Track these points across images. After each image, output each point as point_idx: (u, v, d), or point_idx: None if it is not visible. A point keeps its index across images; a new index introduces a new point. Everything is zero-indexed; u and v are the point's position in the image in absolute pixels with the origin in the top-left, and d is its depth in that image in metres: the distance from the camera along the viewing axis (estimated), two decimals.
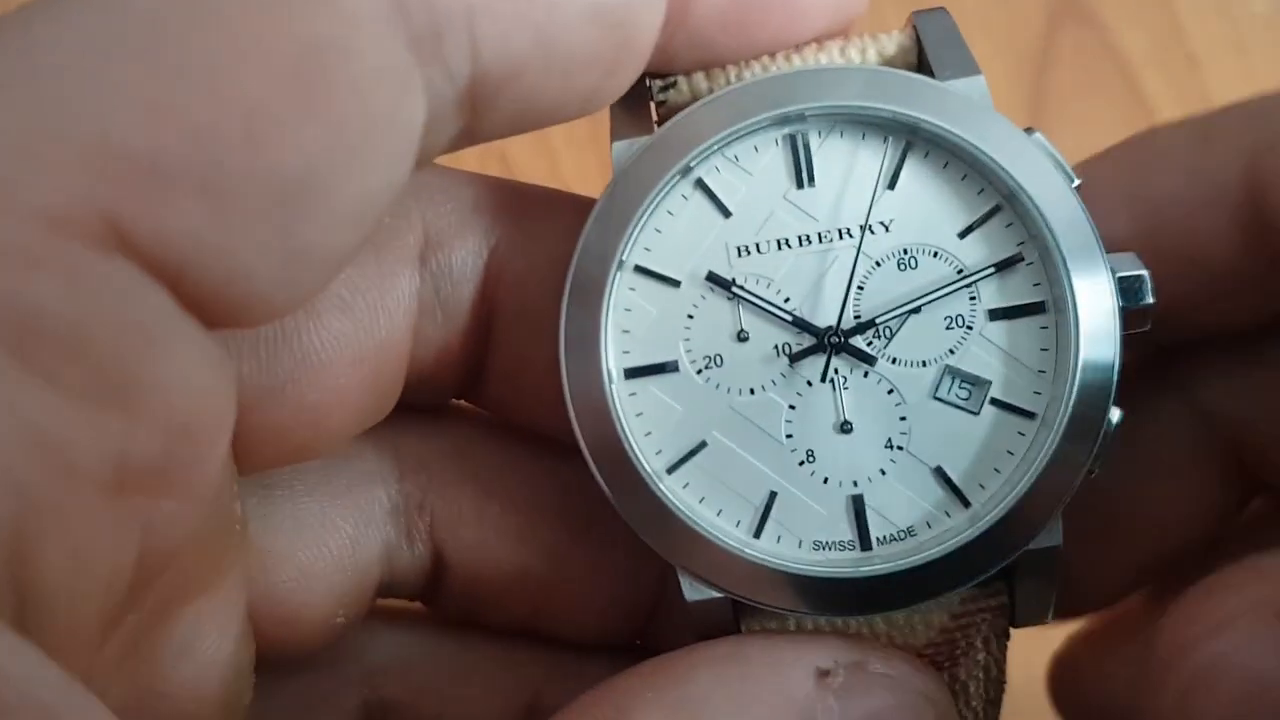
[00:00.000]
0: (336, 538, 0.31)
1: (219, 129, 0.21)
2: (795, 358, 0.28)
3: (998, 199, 0.28)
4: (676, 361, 0.28)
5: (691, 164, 0.28)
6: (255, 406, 0.27)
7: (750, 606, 0.29)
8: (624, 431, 0.28)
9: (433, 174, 0.30)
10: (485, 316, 0.30)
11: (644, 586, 0.33)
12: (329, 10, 0.22)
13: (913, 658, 0.28)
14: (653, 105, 0.29)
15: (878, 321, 0.28)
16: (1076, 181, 0.28)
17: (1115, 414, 0.28)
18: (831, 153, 0.28)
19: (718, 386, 0.28)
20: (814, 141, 0.28)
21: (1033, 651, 0.49)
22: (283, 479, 0.31)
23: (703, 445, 0.28)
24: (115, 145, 0.21)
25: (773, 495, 0.28)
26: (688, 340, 0.28)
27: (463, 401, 0.34)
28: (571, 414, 0.28)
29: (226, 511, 0.27)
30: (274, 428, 0.28)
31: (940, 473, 0.28)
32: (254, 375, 0.27)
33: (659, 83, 0.29)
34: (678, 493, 0.28)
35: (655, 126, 0.29)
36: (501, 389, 0.32)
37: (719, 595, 0.28)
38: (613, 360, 0.28)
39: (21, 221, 0.20)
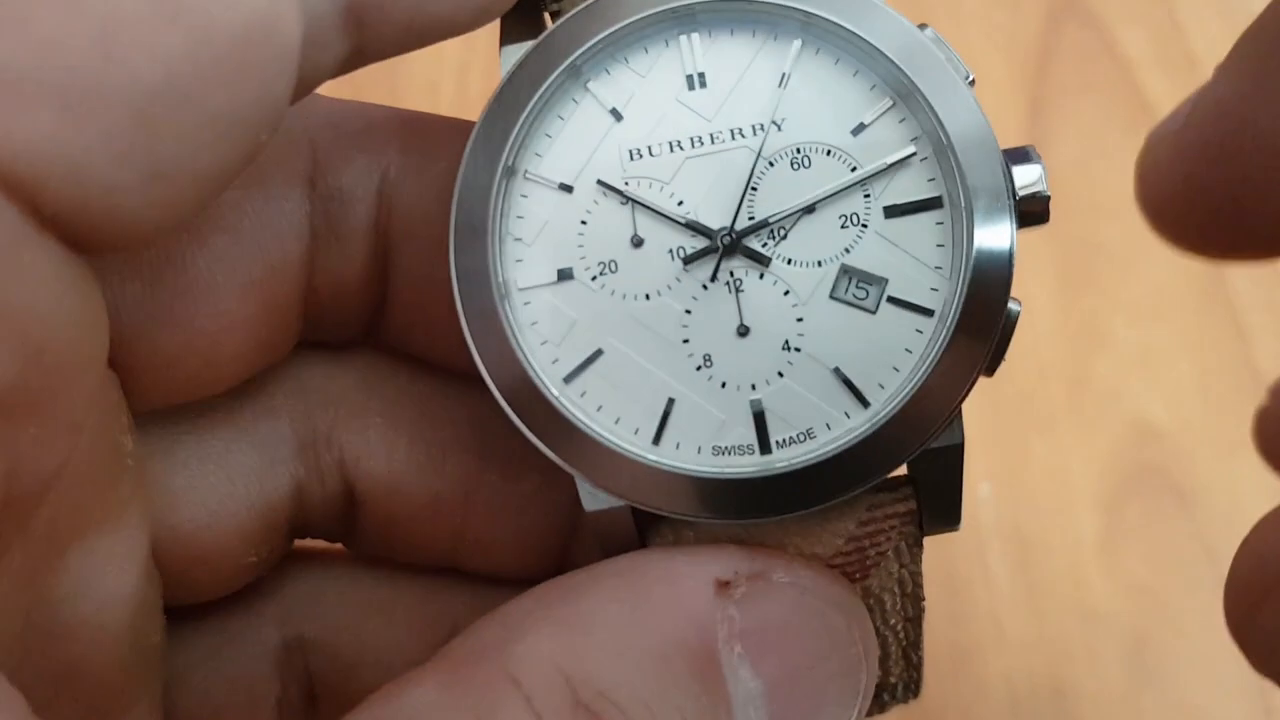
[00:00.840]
0: (242, 474, 0.30)
1: (71, 38, 0.20)
2: (689, 260, 0.28)
3: (890, 95, 0.28)
4: (571, 269, 0.28)
5: (579, 63, 0.28)
6: (141, 334, 0.26)
7: (652, 516, 0.28)
8: (518, 343, 0.28)
9: (322, 102, 0.30)
10: (381, 244, 0.30)
11: (559, 513, 0.32)
12: None
13: (819, 565, 0.27)
14: (547, 15, 0.29)
15: (771, 221, 0.28)
16: (970, 77, 0.28)
17: (1014, 307, 0.27)
18: (722, 51, 0.28)
19: (613, 293, 0.28)
20: (703, 40, 0.28)
21: (1035, 653, 0.49)
22: (186, 416, 0.30)
23: (599, 353, 0.28)
24: None
25: (671, 401, 0.28)
26: (581, 247, 0.28)
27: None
28: (466, 330, 0.28)
29: (113, 443, 0.26)
30: (164, 357, 0.27)
31: (838, 373, 0.28)
32: (139, 301, 0.26)
33: None
34: (576, 401, 0.28)
35: (540, 25, 0.29)
36: (404, 319, 0.31)
37: (619, 504, 0.28)
38: (505, 270, 0.28)
39: None
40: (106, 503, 0.26)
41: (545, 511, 0.32)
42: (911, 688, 0.31)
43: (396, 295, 0.31)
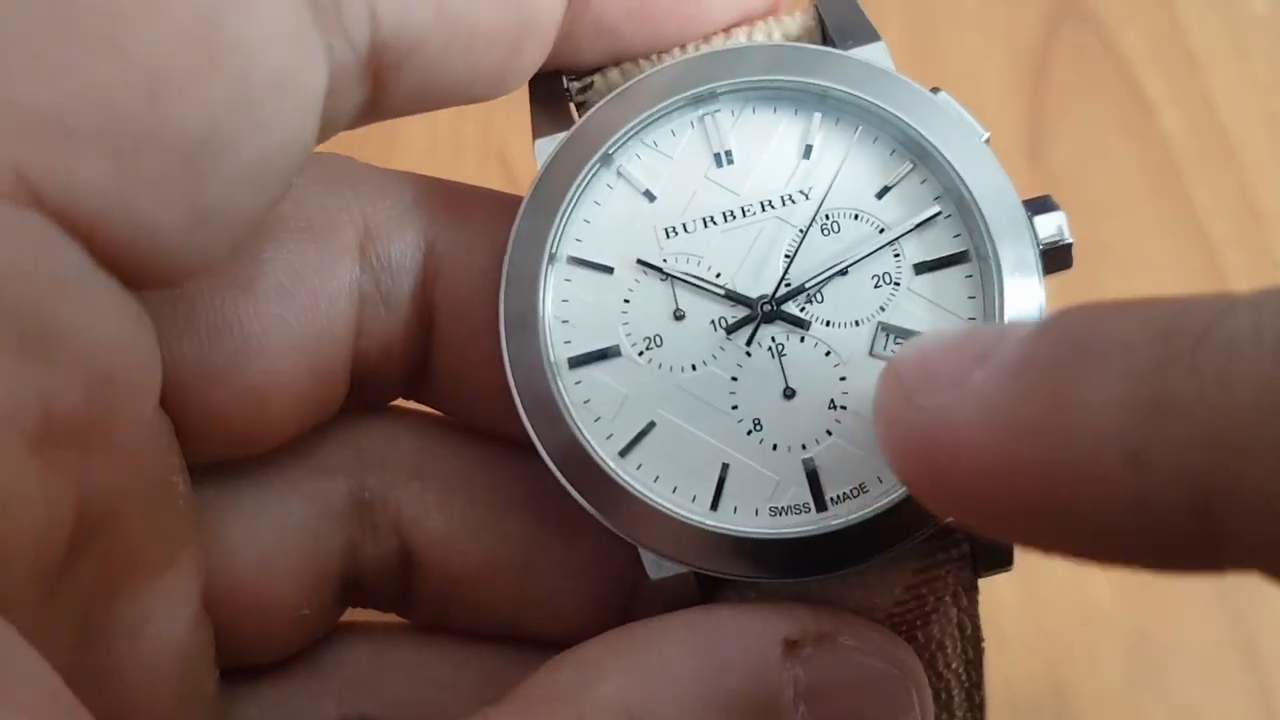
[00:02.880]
0: (295, 525, 0.31)
1: (122, 86, 0.21)
2: (731, 329, 0.29)
3: (910, 158, 0.29)
4: (618, 346, 0.29)
5: (611, 151, 0.29)
6: (194, 389, 0.27)
7: (715, 580, 0.29)
8: (572, 420, 0.28)
9: (372, 172, 0.31)
10: (426, 311, 0.31)
11: (618, 574, 0.33)
12: None
13: (882, 628, 0.28)
14: (572, 106, 0.30)
15: (806, 286, 0.29)
16: (985, 135, 0.29)
17: None
18: (746, 129, 0.29)
19: (660, 366, 0.29)
20: (728, 120, 0.29)
21: (1035, 653, 0.49)
22: (242, 471, 0.31)
23: (651, 425, 0.29)
24: (22, 102, 0.21)
25: (725, 467, 0.29)
26: (626, 324, 0.29)
27: (412, 402, 0.34)
28: (520, 408, 0.28)
29: (166, 483, 0.27)
30: (216, 411, 0.28)
31: None
32: (193, 357, 0.27)
33: (576, 83, 0.30)
34: (633, 474, 0.28)
35: (569, 117, 0.30)
36: (446, 385, 0.32)
37: (682, 570, 0.28)
38: (555, 351, 0.29)
39: None
40: (160, 543, 0.27)
41: (604, 571, 0.33)
42: None
43: (439, 361, 0.32)
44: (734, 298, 0.29)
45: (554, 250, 0.29)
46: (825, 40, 0.30)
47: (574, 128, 0.29)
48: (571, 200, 0.29)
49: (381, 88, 0.26)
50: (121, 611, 0.26)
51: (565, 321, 0.29)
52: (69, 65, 0.21)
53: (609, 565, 0.32)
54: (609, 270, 0.29)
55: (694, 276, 0.29)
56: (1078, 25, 0.62)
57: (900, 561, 0.29)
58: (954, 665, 0.30)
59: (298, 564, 0.31)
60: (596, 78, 0.30)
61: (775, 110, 0.29)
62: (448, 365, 0.32)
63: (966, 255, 0.29)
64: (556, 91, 0.29)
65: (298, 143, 0.24)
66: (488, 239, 0.30)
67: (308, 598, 0.31)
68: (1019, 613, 0.48)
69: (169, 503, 0.27)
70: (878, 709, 0.27)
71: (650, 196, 0.29)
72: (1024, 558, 0.49)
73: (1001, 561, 0.30)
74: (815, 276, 0.29)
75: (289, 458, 0.31)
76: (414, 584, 0.33)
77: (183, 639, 0.28)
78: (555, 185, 0.29)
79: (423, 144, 0.54)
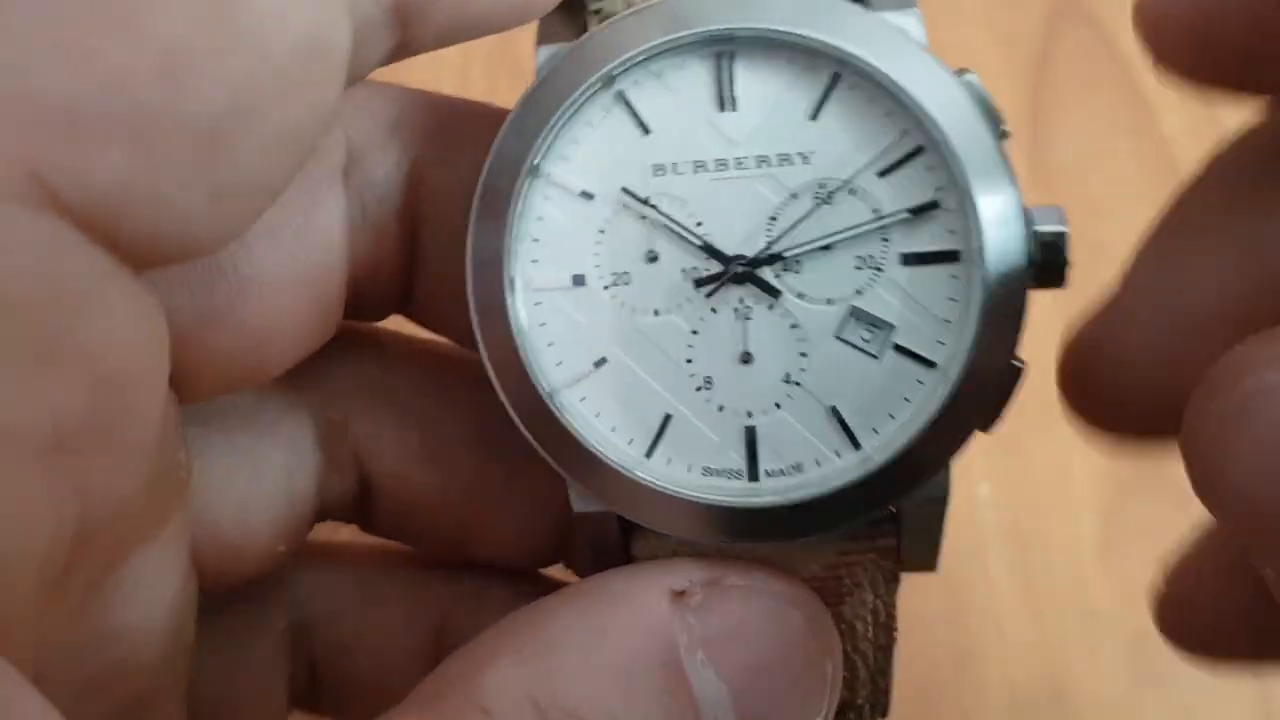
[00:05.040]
0: (271, 469, 0.31)
1: (138, 70, 0.20)
2: (701, 282, 0.28)
3: (921, 141, 0.28)
4: (584, 275, 0.28)
5: (614, 73, 0.27)
6: (194, 337, 0.27)
7: (636, 526, 0.29)
8: (524, 341, 0.28)
9: (356, 90, 0.29)
10: (411, 230, 0.30)
11: (561, 508, 0.32)
12: None
13: (769, 567, 0.28)
14: (587, 16, 0.29)
15: (786, 255, 0.28)
16: (1004, 127, 0.27)
17: (1017, 371, 0.27)
18: (757, 77, 0.28)
19: (623, 304, 0.28)
20: (740, 65, 0.28)
21: (1035, 653, 0.49)
22: (216, 415, 0.30)
23: (603, 361, 0.28)
24: (36, 95, 0.20)
25: (667, 418, 0.28)
26: (598, 255, 0.28)
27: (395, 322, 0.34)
28: (476, 325, 0.28)
29: (171, 460, 0.27)
30: (216, 356, 0.27)
31: (834, 412, 0.28)
32: (190, 305, 0.27)
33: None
34: (575, 406, 0.28)
35: (576, 27, 0.29)
36: (429, 303, 0.32)
37: (604, 509, 0.28)
38: (518, 269, 0.28)
39: None
40: (163, 516, 0.27)
41: (547, 505, 0.33)
42: (879, 708, 0.32)
43: (423, 279, 0.31)
44: (710, 251, 0.28)
45: (536, 163, 0.27)
46: None
47: (581, 39, 0.28)
48: (563, 116, 0.27)
49: (408, 31, 0.25)
50: (119, 581, 0.26)
51: (536, 240, 0.28)
52: (83, 53, 0.20)
53: (552, 500, 0.32)
54: (590, 196, 0.28)
55: (674, 221, 0.28)
56: (1078, 25, 0.62)
57: (824, 541, 0.28)
58: (861, 646, 0.30)
59: (275, 506, 0.31)
60: None
61: (790, 63, 0.28)
62: (429, 285, 0.31)
63: (956, 255, 0.28)
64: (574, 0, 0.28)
65: (323, 105, 0.23)
66: (472, 154, 0.29)
67: (285, 537, 0.32)
68: (1019, 613, 0.48)
69: (171, 476, 0.27)
70: (777, 642, 0.27)
71: (645, 129, 0.28)
72: (1023, 557, 0.49)
73: (925, 564, 0.30)
74: (798, 246, 0.28)
75: (257, 396, 0.31)
76: (371, 507, 0.34)
77: (174, 596, 0.27)
78: (549, 99, 0.27)
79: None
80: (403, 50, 0.26)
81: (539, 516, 0.33)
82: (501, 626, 0.26)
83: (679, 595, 0.26)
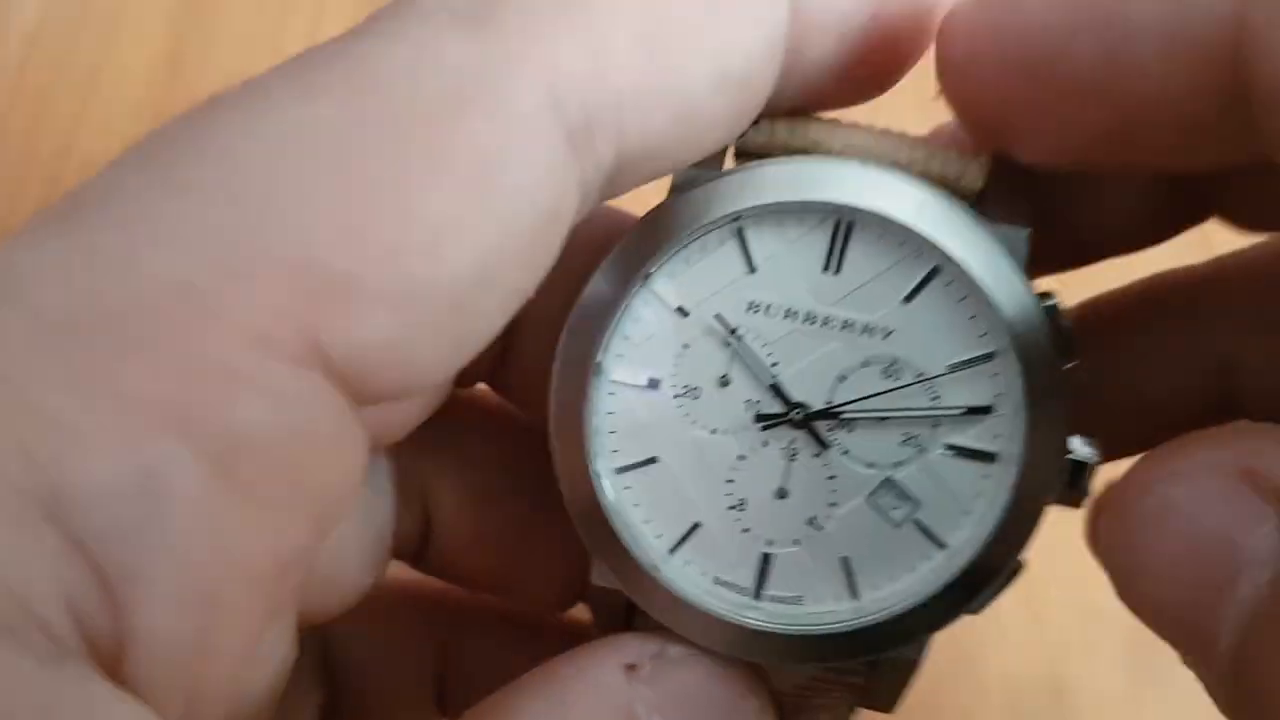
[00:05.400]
0: (359, 503, 0.32)
1: (407, 245, 0.22)
2: (760, 418, 0.30)
3: (994, 347, 0.29)
4: (659, 380, 0.30)
5: (743, 216, 0.29)
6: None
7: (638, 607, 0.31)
8: (588, 423, 0.29)
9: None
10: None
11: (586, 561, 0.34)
12: (500, 115, 0.23)
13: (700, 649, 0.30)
14: (730, 151, 0.30)
15: (844, 416, 0.29)
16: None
17: (1017, 569, 0.30)
18: (865, 251, 0.29)
19: (686, 415, 0.30)
20: (855, 236, 0.29)
21: (1035, 653, 0.48)
22: None
23: (654, 460, 0.30)
24: (317, 264, 0.22)
25: (696, 525, 0.30)
26: (676, 366, 0.30)
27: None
28: (552, 397, 0.29)
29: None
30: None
31: (845, 562, 0.30)
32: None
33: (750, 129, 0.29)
34: (618, 491, 0.30)
35: (727, 161, 0.30)
36: (518, 379, 0.33)
37: (620, 590, 0.30)
38: (607, 360, 0.29)
39: (233, 339, 0.21)
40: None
41: (581, 556, 0.34)
42: None
43: (517, 356, 0.33)
44: (777, 392, 0.30)
45: (649, 273, 0.29)
46: (978, 193, 0.30)
47: (723, 174, 0.29)
48: (687, 240, 0.29)
49: (611, 188, 0.26)
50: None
51: (627, 338, 0.30)
52: (359, 225, 0.22)
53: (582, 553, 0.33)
54: (684, 313, 0.29)
55: (754, 356, 0.29)
56: None
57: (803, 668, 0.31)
58: None
59: (363, 540, 0.33)
60: (765, 120, 0.29)
61: (899, 246, 0.29)
62: (522, 361, 0.33)
63: (995, 458, 0.29)
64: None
65: (548, 265, 0.25)
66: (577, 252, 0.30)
67: (374, 570, 0.33)
68: (1019, 612, 0.48)
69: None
70: (718, 701, 0.30)
71: (752, 267, 0.29)
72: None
73: (885, 707, 0.32)
74: (857, 410, 0.29)
75: None
76: (427, 549, 0.35)
77: (286, 655, 0.28)
78: (677, 219, 0.29)
79: None
80: (600, 199, 0.27)
81: (574, 565, 0.34)
82: (477, 709, 0.28)
83: (630, 669, 0.29)
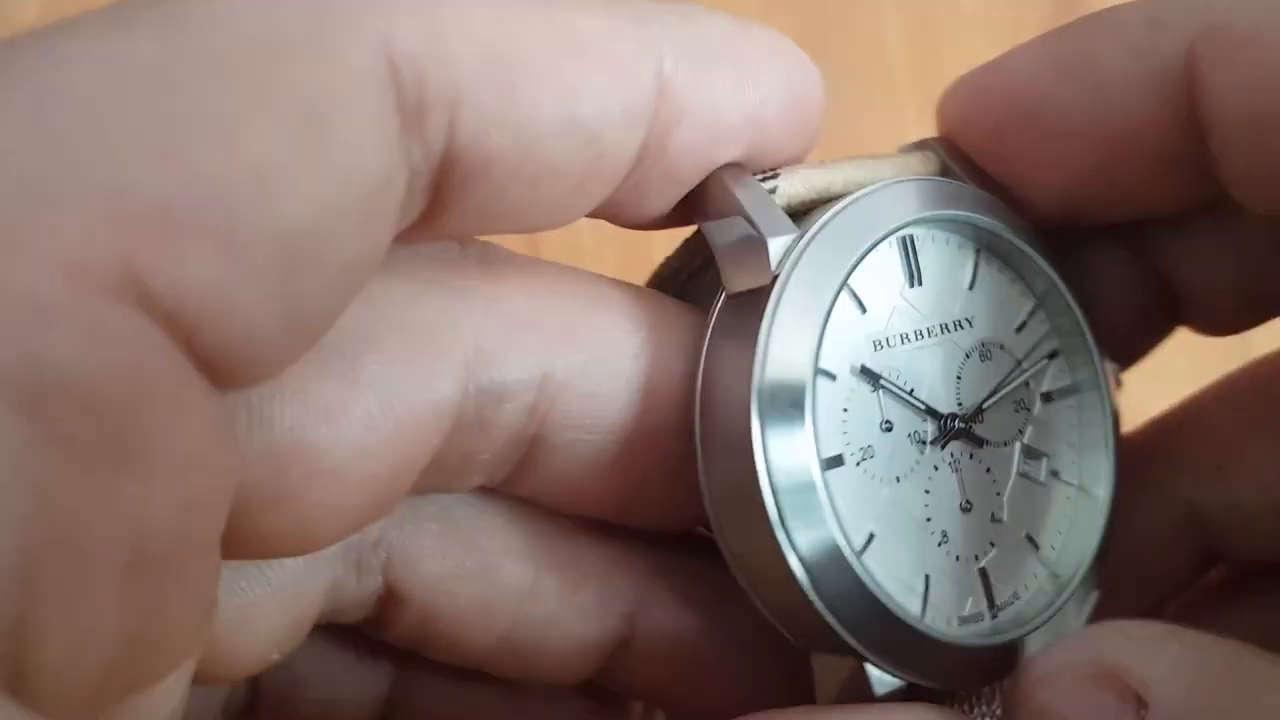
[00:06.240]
0: (279, 574, 0.29)
1: (231, 177, 0.21)
2: (931, 443, 0.30)
3: (1034, 300, 0.32)
4: (841, 455, 0.29)
5: (850, 270, 0.29)
6: (251, 509, 0.25)
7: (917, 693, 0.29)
8: (833, 516, 0.28)
9: (485, 283, 0.29)
10: (528, 435, 0.29)
11: (612, 628, 0.32)
12: (334, 66, 0.22)
13: None
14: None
15: (984, 408, 0.31)
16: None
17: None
18: (931, 254, 0.31)
19: (873, 477, 0.29)
20: (920, 245, 0.30)
21: None
22: None
23: (872, 536, 0.29)
24: (133, 192, 0.20)
25: (927, 578, 0.29)
26: (845, 433, 0.29)
27: None
28: (774, 507, 0.27)
29: (210, 598, 0.26)
30: (264, 532, 0.26)
31: (1029, 539, 0.31)
32: (258, 480, 0.25)
33: (768, 184, 0.30)
34: (870, 573, 0.28)
35: (784, 219, 0.29)
36: (534, 486, 0.31)
37: (900, 684, 0.28)
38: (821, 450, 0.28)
39: (38, 270, 0.19)
40: (187, 645, 0.25)
41: (599, 625, 0.32)
42: None
43: (535, 473, 0.30)
44: (930, 413, 0.30)
45: (816, 360, 0.28)
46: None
47: (811, 231, 0.29)
48: (828, 311, 0.28)
49: (440, 205, 0.25)
50: (138, 703, 0.24)
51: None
52: (178, 153, 0.20)
53: (603, 620, 0.32)
54: (833, 377, 0.29)
55: (902, 389, 0.30)
56: None
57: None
58: None
59: (277, 614, 0.29)
60: (780, 184, 0.30)
61: (948, 242, 0.31)
62: (546, 474, 0.30)
63: (1077, 387, 0.32)
64: (762, 195, 0.29)
65: (382, 245, 0.24)
66: (611, 364, 0.29)
67: (280, 644, 0.30)
68: None
69: (206, 610, 0.25)
70: None
71: (863, 308, 0.30)
72: None
73: None
74: (983, 400, 0.31)
75: None
76: (389, 618, 0.32)
77: (178, 703, 0.26)
78: (807, 295, 0.28)
79: None
80: (428, 225, 0.25)
81: (584, 639, 0.32)
82: None
83: None
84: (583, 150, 0.26)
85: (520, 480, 0.30)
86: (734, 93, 0.28)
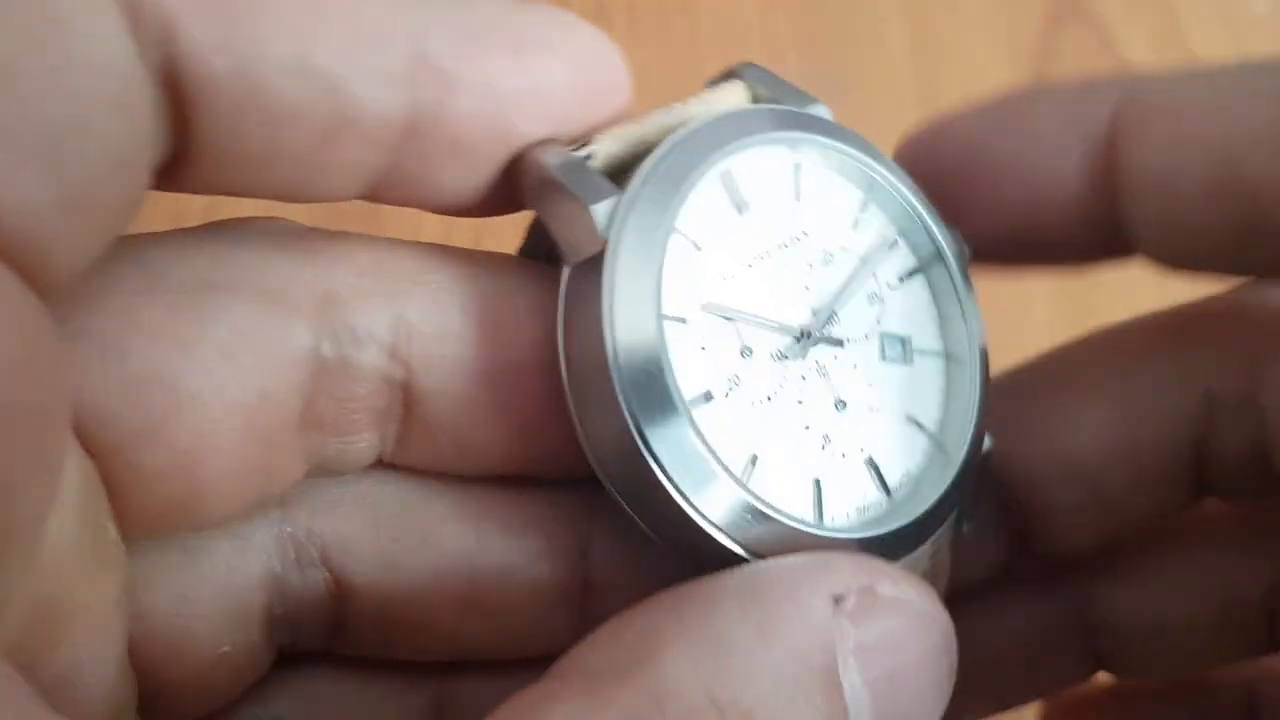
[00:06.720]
0: (208, 556, 0.30)
1: None
2: (792, 357, 0.31)
3: (863, 191, 0.33)
4: (709, 391, 0.29)
5: (674, 215, 0.30)
6: (125, 446, 0.26)
7: None
8: (708, 448, 0.28)
9: (328, 238, 0.30)
10: (399, 377, 0.30)
11: (569, 571, 0.32)
12: None
13: (916, 577, 0.28)
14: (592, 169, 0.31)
15: (836, 310, 0.31)
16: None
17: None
18: (751, 180, 0.31)
19: (746, 403, 0.30)
20: (738, 174, 0.31)
21: None
22: None
23: (755, 458, 0.30)
24: None
25: (817, 483, 0.30)
26: (709, 369, 0.30)
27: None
28: (651, 458, 0.28)
29: (99, 527, 0.26)
30: (146, 473, 0.27)
31: (910, 419, 0.32)
32: (122, 413, 0.26)
33: (582, 151, 0.30)
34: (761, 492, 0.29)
35: (604, 182, 0.30)
36: (426, 445, 0.31)
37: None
38: (684, 394, 0.29)
39: None
40: (90, 590, 0.26)
41: (556, 569, 0.32)
42: None
43: (422, 423, 0.30)
44: (784, 329, 0.31)
45: (659, 309, 0.29)
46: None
47: (631, 191, 0.29)
48: (660, 261, 0.29)
49: (188, 132, 0.25)
50: (50, 663, 0.25)
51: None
52: None
53: (560, 562, 0.32)
54: (683, 321, 0.30)
55: (754, 314, 0.30)
56: (1078, 25, 0.62)
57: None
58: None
59: (214, 600, 0.30)
60: (596, 148, 0.30)
61: (765, 163, 0.31)
62: (432, 428, 0.30)
63: (918, 268, 0.33)
64: (577, 164, 0.30)
65: (142, 127, 0.24)
66: (459, 301, 0.30)
67: (228, 635, 0.30)
68: None
69: (101, 549, 0.26)
70: (919, 658, 0.27)
71: (697, 246, 0.30)
72: None
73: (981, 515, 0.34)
74: (831, 303, 0.31)
75: None
76: (348, 613, 0.32)
77: (109, 691, 0.26)
78: (639, 246, 0.29)
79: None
80: (186, 167, 0.26)
81: (546, 588, 0.32)
82: (665, 608, 0.26)
83: (837, 600, 0.26)
84: (322, 98, 0.26)
85: (411, 444, 0.31)
86: (511, 61, 0.28)
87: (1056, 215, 0.33)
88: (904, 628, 0.27)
